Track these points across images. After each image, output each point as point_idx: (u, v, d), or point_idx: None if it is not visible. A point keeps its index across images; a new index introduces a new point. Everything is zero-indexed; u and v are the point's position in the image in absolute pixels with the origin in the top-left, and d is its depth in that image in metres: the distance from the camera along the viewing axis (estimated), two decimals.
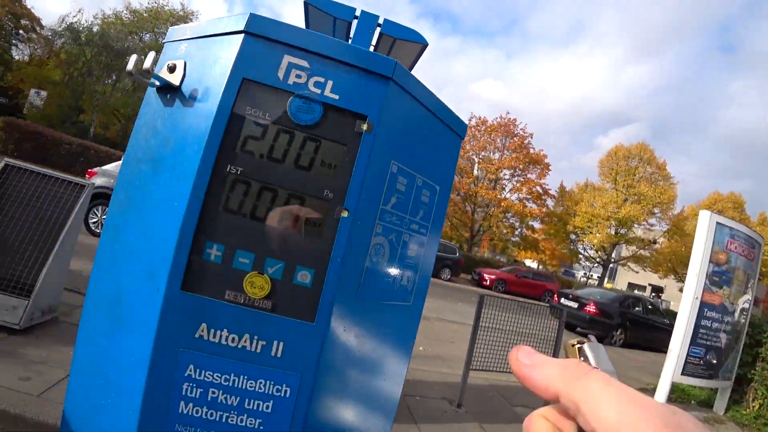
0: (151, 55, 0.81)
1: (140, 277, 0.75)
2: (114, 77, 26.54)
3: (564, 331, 5.18)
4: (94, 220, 8.01)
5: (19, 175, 3.71)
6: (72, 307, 4.29)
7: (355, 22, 2.80)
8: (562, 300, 12.04)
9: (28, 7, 24.17)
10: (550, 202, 26.00)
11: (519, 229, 24.59)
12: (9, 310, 3.35)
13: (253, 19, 0.75)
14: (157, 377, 0.70)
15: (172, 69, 0.81)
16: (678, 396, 6.86)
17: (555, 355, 5.21)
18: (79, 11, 25.48)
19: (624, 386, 0.27)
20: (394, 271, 0.91)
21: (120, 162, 9.18)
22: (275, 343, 0.75)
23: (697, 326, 5.99)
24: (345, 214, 0.76)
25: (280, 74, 0.75)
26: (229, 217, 0.74)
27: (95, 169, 8.60)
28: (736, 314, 6.50)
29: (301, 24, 3.12)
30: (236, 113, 0.74)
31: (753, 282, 6.75)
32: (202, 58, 0.80)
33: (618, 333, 10.94)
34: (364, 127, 0.78)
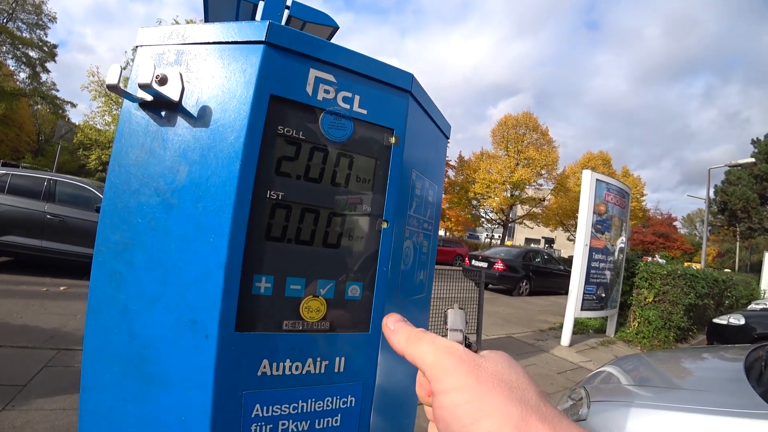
0: (116, 67, 0.70)
1: (174, 327, 0.67)
2: None
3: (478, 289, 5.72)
4: None
5: None
6: None
7: (261, 5, 2.66)
8: (473, 262, 13.07)
9: None
10: (451, 173, 27.72)
11: None
12: None
13: (274, 28, 0.68)
14: (221, 428, 0.66)
15: (163, 81, 0.70)
16: (579, 328, 8.01)
17: (479, 313, 5.73)
18: None
19: (446, 342, 0.39)
20: (416, 269, 0.96)
21: None
22: (337, 359, 0.75)
23: (589, 268, 7.02)
24: (385, 225, 0.78)
25: (309, 89, 0.72)
26: (274, 245, 0.69)
27: None
28: (616, 253, 7.72)
29: (196, 7, 2.85)
30: (268, 133, 0.69)
31: (625, 225, 8.06)
32: (209, 70, 0.71)
33: (524, 284, 12.28)
34: (392, 140, 0.79)
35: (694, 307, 7.45)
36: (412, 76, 0.83)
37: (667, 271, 7.36)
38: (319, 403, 0.74)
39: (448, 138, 1.12)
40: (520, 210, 30.33)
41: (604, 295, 7.32)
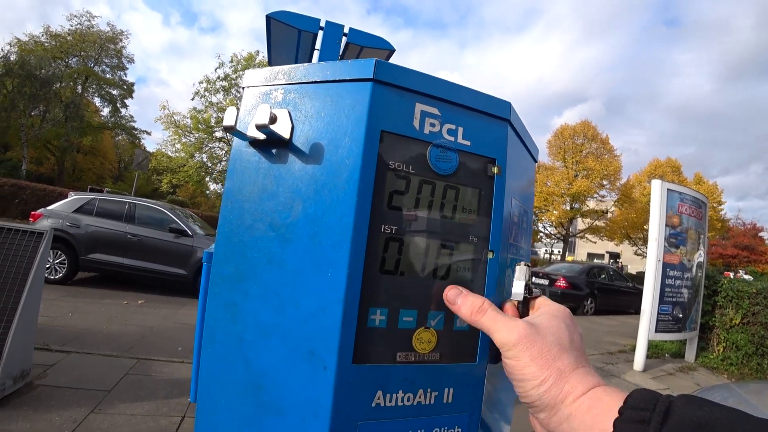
0: (232, 110, 0.75)
1: (291, 358, 0.69)
2: (42, 108, 24.49)
3: None
4: (47, 266, 7.35)
5: None
6: (45, 367, 3.94)
7: (320, 34, 2.75)
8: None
9: None
10: None
11: None
12: None
13: (381, 65, 0.71)
14: None
15: (273, 120, 0.73)
16: (653, 352, 7.36)
17: None
18: None
19: (504, 319, 0.57)
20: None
21: (70, 199, 8.42)
22: (446, 390, 0.74)
23: (663, 286, 6.46)
24: (491, 255, 0.77)
25: (416, 123, 0.73)
26: (387, 278, 0.71)
27: (41, 211, 7.92)
28: (693, 269, 7.06)
29: (261, 37, 3.00)
30: (380, 168, 0.71)
31: (703, 238, 7.37)
32: (317, 108, 0.74)
33: (588, 302, 11.57)
34: (495, 170, 0.79)
35: None
36: (510, 104, 0.82)
37: (757, 289, 6.60)
38: None
39: (536, 161, 1.10)
40: (581, 223, 28.84)
41: (681, 315, 6.69)
